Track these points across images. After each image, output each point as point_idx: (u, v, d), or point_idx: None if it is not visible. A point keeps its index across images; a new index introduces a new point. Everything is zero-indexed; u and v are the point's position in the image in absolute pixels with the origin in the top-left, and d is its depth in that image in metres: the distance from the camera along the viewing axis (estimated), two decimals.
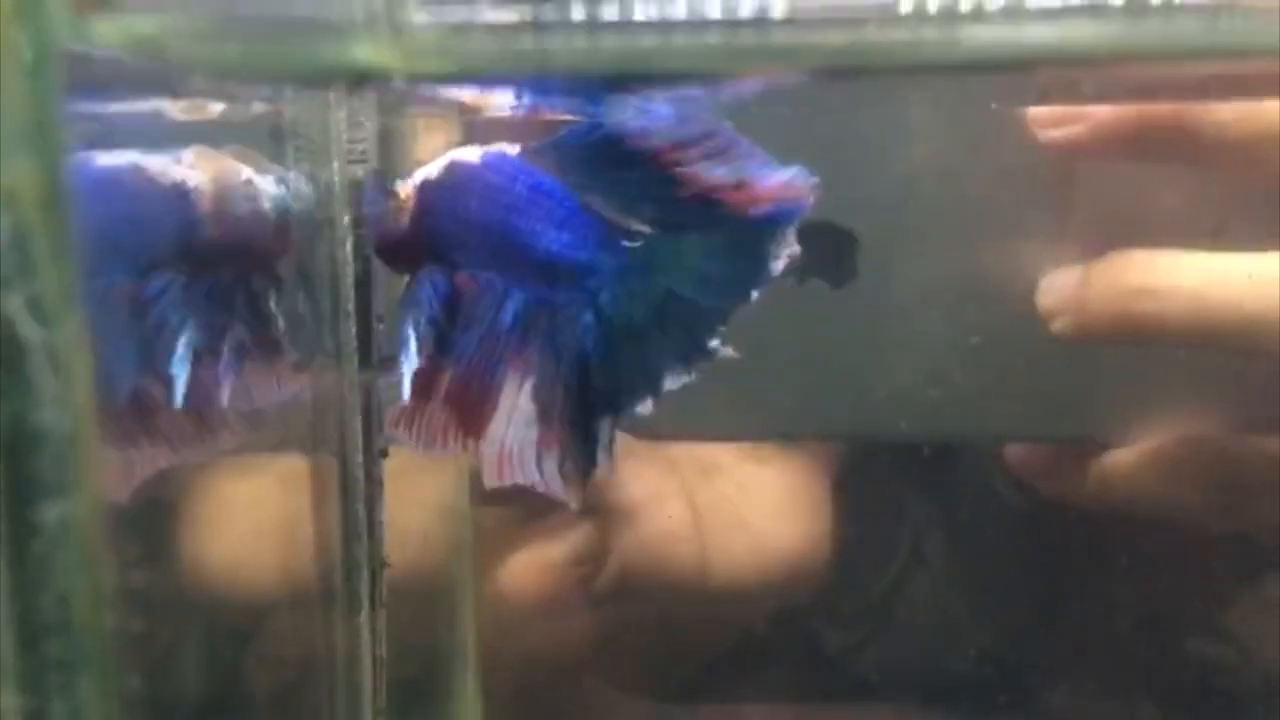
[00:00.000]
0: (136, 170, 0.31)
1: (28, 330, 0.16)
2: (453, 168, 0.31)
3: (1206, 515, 0.38)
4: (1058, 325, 0.36)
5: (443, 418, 0.31)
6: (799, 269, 0.34)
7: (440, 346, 0.31)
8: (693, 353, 0.31)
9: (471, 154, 0.31)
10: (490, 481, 0.32)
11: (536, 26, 0.21)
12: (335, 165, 0.35)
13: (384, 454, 0.36)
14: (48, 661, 0.17)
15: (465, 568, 0.40)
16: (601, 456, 0.32)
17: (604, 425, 0.31)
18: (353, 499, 0.36)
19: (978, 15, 0.22)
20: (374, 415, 0.36)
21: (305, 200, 0.34)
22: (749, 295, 0.30)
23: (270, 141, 0.34)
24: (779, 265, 0.30)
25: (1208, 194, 0.35)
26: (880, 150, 0.37)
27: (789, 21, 0.22)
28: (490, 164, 0.30)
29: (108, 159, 0.30)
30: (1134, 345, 0.35)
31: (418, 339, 0.31)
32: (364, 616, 0.36)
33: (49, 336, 0.16)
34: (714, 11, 0.22)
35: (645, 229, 0.30)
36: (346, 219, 0.35)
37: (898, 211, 0.37)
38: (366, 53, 0.20)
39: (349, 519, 0.36)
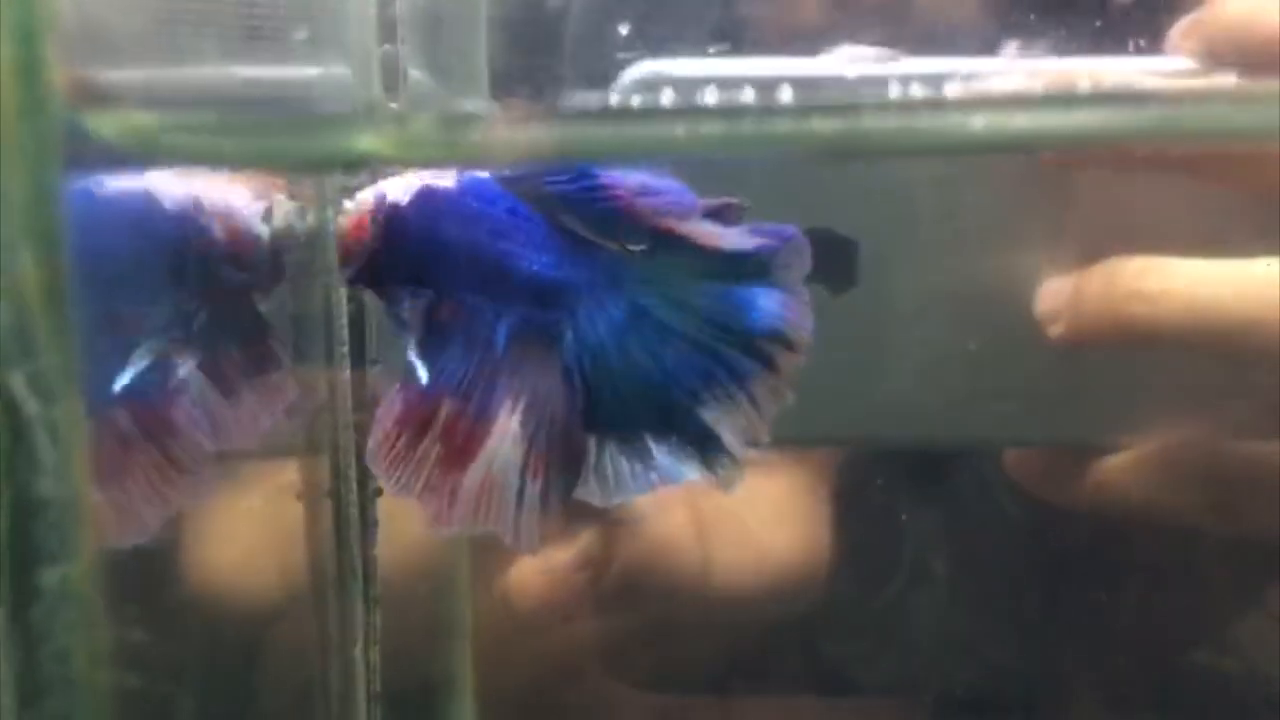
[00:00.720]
0: (147, 197, 0.31)
1: (30, 406, 0.17)
2: (426, 195, 0.30)
3: (1204, 519, 0.38)
4: (1055, 331, 0.36)
5: (435, 452, 0.31)
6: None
7: (435, 376, 0.31)
8: (678, 407, 0.31)
9: (445, 180, 0.31)
10: (460, 523, 0.31)
11: (533, 116, 0.21)
12: (330, 212, 0.35)
13: (379, 493, 0.37)
14: (47, 717, 0.17)
15: (461, 574, 0.41)
16: (592, 478, 0.32)
17: (592, 445, 0.31)
18: (347, 538, 0.37)
19: (972, 103, 0.23)
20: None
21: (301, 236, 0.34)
22: (729, 336, 0.31)
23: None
24: (765, 307, 0.31)
25: (1200, 202, 0.36)
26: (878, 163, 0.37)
27: (785, 110, 0.23)
28: (469, 190, 0.31)
29: (118, 185, 0.31)
30: (1129, 349, 0.36)
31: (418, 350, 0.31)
32: (358, 651, 0.37)
33: (49, 412, 0.17)
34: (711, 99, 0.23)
35: (614, 247, 0.31)
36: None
37: (896, 221, 0.37)
38: (366, 143, 0.21)
39: (344, 557, 0.37)
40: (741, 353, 0.31)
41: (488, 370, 0.31)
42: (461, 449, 0.31)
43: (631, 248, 0.31)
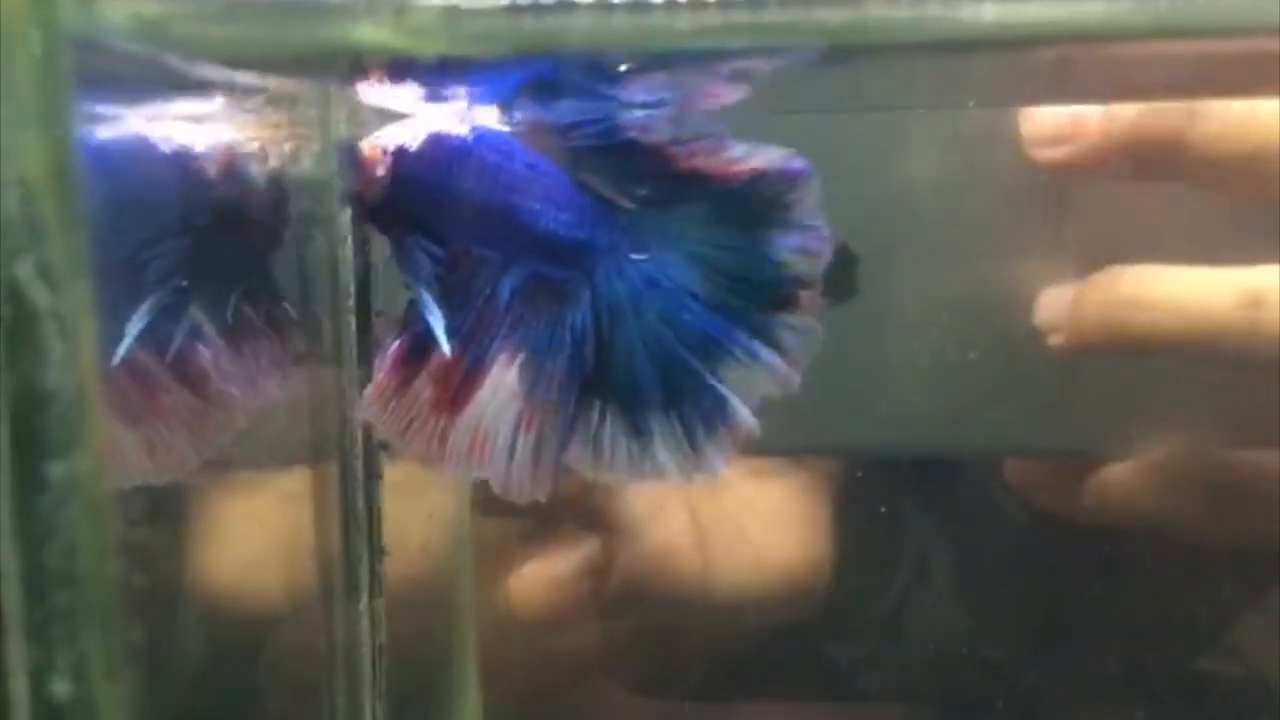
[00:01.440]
0: (141, 143, 0.31)
1: (37, 296, 0.17)
2: (437, 142, 0.30)
3: (1205, 527, 0.38)
4: (1055, 340, 0.36)
5: (425, 394, 0.31)
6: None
7: (430, 325, 0.31)
8: (688, 371, 0.31)
9: (457, 128, 0.31)
10: (452, 466, 0.31)
11: (539, 8, 0.21)
12: (335, 166, 0.35)
13: (384, 446, 0.37)
14: (54, 613, 0.17)
15: (464, 579, 0.41)
16: (589, 445, 0.32)
17: (595, 412, 0.31)
18: (352, 489, 0.37)
19: None
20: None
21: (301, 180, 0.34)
22: (753, 295, 0.30)
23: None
24: (783, 250, 0.30)
25: (1199, 210, 0.36)
26: (879, 168, 0.37)
27: None
28: (485, 142, 0.31)
29: (113, 132, 0.30)
30: (1128, 359, 0.36)
31: (431, 300, 0.31)
32: (364, 604, 0.37)
33: (57, 302, 0.17)
34: None
35: (636, 204, 0.31)
36: (347, 215, 0.36)
37: (896, 230, 0.37)
38: (368, 34, 0.21)
39: (348, 509, 0.37)
40: (763, 303, 0.31)
41: (487, 321, 0.31)
42: (455, 396, 0.31)
43: (651, 198, 0.31)
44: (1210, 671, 0.42)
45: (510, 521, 0.42)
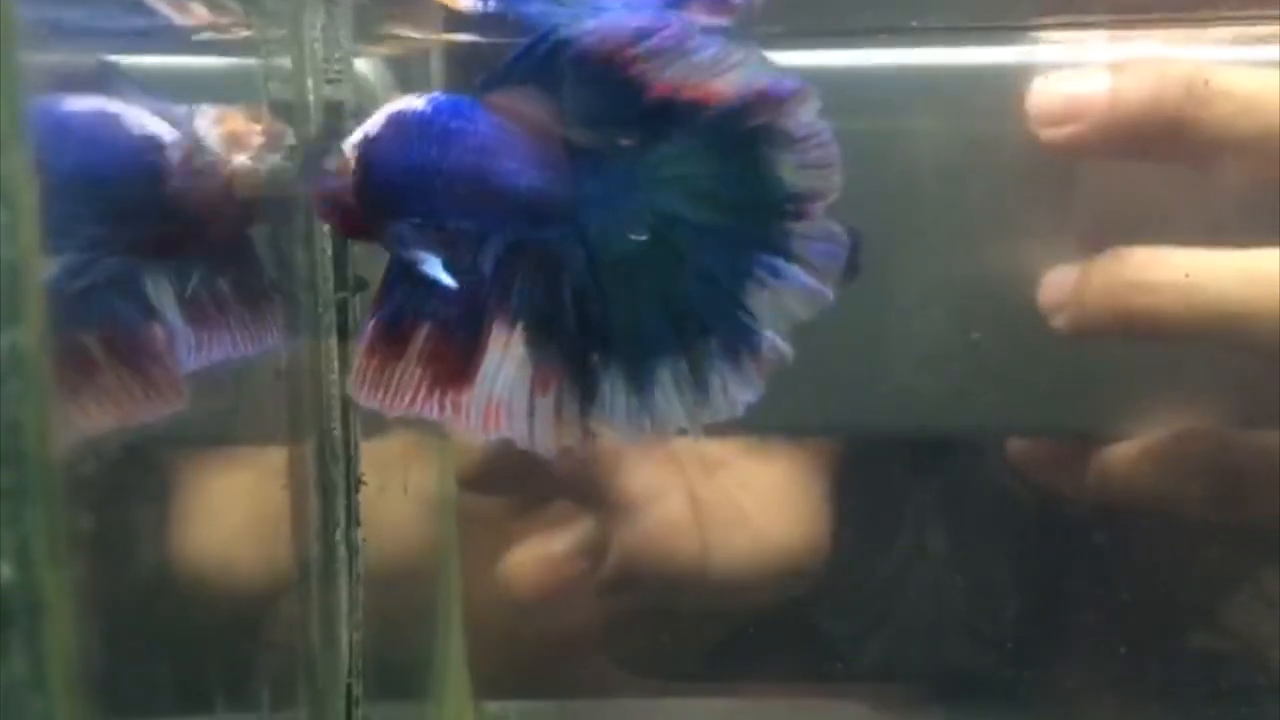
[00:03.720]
0: (113, 119, 0.30)
1: None
2: (396, 120, 0.30)
3: (1205, 508, 0.38)
4: (1058, 321, 0.36)
5: (417, 374, 0.30)
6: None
7: (412, 301, 0.30)
8: (716, 304, 0.29)
9: (414, 103, 0.30)
10: (476, 434, 0.30)
11: None
12: (309, 84, 0.35)
13: None
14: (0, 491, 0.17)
15: (449, 557, 0.40)
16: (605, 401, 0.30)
17: (611, 364, 0.30)
18: (328, 420, 0.36)
19: None
20: (350, 337, 0.36)
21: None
22: (764, 217, 0.29)
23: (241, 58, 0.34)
24: (798, 174, 0.29)
25: (1204, 192, 0.35)
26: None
27: None
28: (444, 110, 0.29)
29: (86, 104, 0.30)
30: (1132, 340, 0.36)
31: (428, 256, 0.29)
32: (340, 535, 0.36)
33: None
34: None
35: (622, 142, 0.29)
36: None
37: (900, 208, 0.37)
38: None
39: (324, 440, 0.36)
40: (776, 222, 0.29)
41: (472, 293, 0.30)
42: (455, 371, 0.30)
43: (638, 138, 0.29)
44: (1207, 647, 0.42)
45: (505, 498, 0.41)
